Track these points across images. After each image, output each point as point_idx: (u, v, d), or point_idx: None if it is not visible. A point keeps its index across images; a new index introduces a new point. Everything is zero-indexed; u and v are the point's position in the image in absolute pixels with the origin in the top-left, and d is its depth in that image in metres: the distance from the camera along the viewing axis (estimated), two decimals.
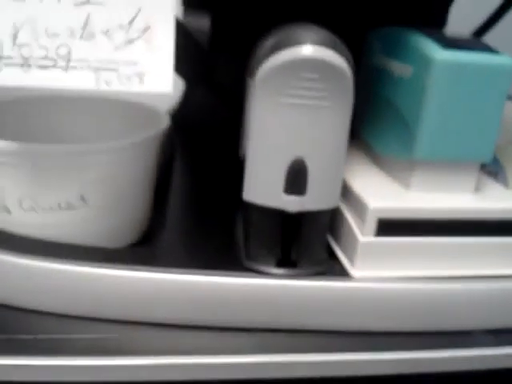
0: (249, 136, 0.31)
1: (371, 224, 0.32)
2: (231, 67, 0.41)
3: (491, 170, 0.37)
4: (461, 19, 0.46)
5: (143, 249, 0.36)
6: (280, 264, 0.32)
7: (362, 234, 0.32)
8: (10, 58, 0.33)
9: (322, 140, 0.30)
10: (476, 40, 0.35)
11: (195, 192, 0.43)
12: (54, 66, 0.33)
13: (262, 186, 0.31)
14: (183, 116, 0.40)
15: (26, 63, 0.33)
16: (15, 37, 0.32)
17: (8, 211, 0.33)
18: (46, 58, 0.33)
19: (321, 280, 0.32)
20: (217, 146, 0.46)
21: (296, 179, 0.30)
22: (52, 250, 0.32)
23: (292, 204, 0.31)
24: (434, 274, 0.33)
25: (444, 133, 0.32)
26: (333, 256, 0.34)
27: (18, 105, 0.38)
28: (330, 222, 0.33)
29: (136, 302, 0.32)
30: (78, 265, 0.32)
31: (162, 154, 0.37)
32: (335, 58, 0.28)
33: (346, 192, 0.34)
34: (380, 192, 0.34)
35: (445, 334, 0.33)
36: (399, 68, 0.34)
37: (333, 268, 0.33)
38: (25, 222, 0.33)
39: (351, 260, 0.33)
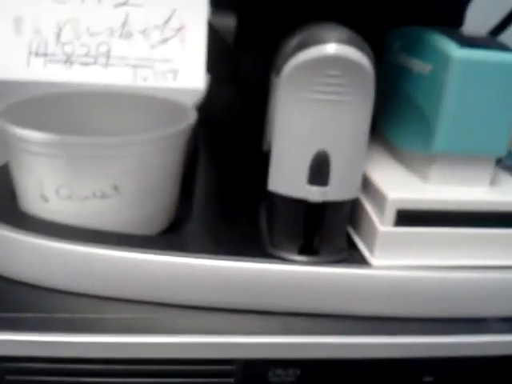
0: (274, 130, 0.32)
1: (390, 214, 0.33)
2: (256, 65, 0.42)
3: (507, 164, 0.38)
4: (477, 19, 0.47)
5: (172, 236, 0.38)
6: (302, 251, 0.34)
7: (382, 224, 0.34)
8: (53, 55, 0.35)
9: (344, 133, 0.31)
10: (492, 39, 0.36)
11: (219, 185, 0.44)
12: (95, 63, 0.35)
13: (287, 177, 0.32)
14: (208, 112, 0.41)
15: (68, 60, 0.35)
16: (59, 35, 0.34)
17: (46, 199, 0.35)
18: (87, 55, 0.35)
19: (341, 267, 0.33)
20: (240, 140, 0.47)
21: (319, 171, 0.32)
22: (87, 236, 0.34)
23: (315, 194, 0.32)
24: (451, 263, 0.34)
25: (461, 127, 0.33)
26: (352, 246, 0.36)
27: (53, 100, 0.39)
28: (350, 213, 0.35)
29: (166, 285, 0.33)
30: (111, 250, 0.33)
31: (188, 147, 0.38)
32: (358, 56, 0.29)
33: (366, 184, 0.36)
34: (399, 184, 0.35)
35: (460, 320, 0.34)
36: (418, 65, 0.35)
37: (353, 256, 0.35)
38: (61, 209, 0.35)
39: (370, 249, 0.34)
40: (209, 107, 0.41)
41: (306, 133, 0.31)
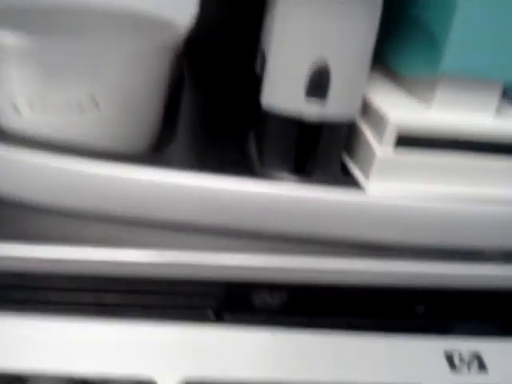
0: (271, 37, 0.30)
1: (390, 137, 0.31)
2: None
3: None
4: None
5: (153, 154, 0.35)
6: (294, 173, 0.32)
7: (380, 148, 0.32)
8: None
9: (347, 42, 0.29)
10: None
11: (206, 109, 0.42)
12: None
13: (283, 90, 0.30)
14: (196, 30, 0.39)
15: None
16: None
17: (18, 112, 0.32)
18: None
19: (334, 191, 0.32)
20: (230, 61, 0.45)
21: (318, 82, 0.29)
22: (62, 150, 0.32)
23: (312, 110, 0.30)
24: (449, 191, 0.33)
25: (470, 45, 0.31)
26: (347, 174, 0.34)
27: (34, 14, 0.36)
28: (347, 138, 0.33)
29: (146, 202, 0.31)
30: (88, 164, 0.31)
31: (174, 68, 0.36)
32: None
33: (366, 109, 0.33)
34: (401, 108, 0.33)
35: (456, 251, 0.33)
36: None
37: (347, 181, 0.33)
38: (36, 123, 0.32)
39: (366, 175, 0.33)
40: (197, 25, 0.38)
41: (305, 40, 0.29)
